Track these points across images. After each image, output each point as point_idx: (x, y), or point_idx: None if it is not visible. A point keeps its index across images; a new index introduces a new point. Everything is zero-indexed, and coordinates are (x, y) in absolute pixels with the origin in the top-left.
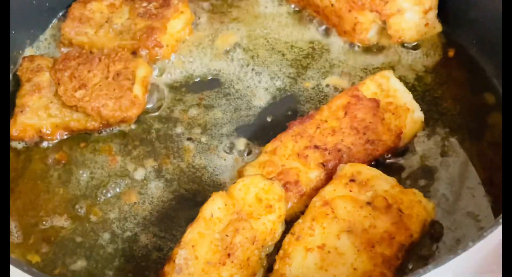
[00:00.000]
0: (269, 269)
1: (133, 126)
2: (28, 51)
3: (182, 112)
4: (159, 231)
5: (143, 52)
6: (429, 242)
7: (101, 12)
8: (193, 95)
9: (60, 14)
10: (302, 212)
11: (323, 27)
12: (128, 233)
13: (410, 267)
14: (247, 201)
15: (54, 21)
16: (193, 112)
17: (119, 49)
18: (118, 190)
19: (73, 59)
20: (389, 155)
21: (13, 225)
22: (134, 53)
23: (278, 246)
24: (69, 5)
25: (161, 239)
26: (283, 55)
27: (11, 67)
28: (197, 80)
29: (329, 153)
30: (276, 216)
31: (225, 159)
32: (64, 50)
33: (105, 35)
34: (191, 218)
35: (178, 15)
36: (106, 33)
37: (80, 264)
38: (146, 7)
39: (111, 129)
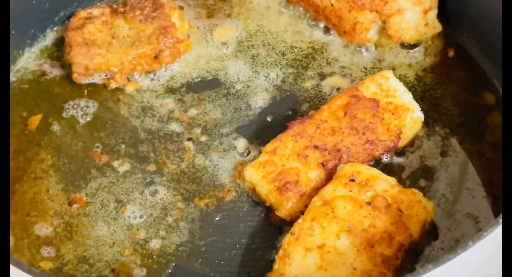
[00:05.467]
0: (269, 268)
1: (133, 126)
2: (28, 51)
3: (182, 112)
4: (159, 230)
5: (166, 53)
6: (429, 242)
7: (100, 31)
8: (193, 95)
9: (61, 14)
10: (302, 212)
11: (323, 27)
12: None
13: (410, 267)
14: None
15: (55, 21)
16: (193, 112)
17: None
18: (118, 190)
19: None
20: (389, 155)
21: (13, 225)
22: (157, 57)
23: (278, 246)
24: (69, 6)
25: (160, 237)
26: (283, 55)
27: (11, 67)
28: (197, 80)
29: (329, 153)
30: None
31: (225, 159)
32: (84, 81)
33: (119, 50)
34: (190, 219)
35: (173, 12)
36: (118, 47)
37: (77, 263)
38: (143, 13)
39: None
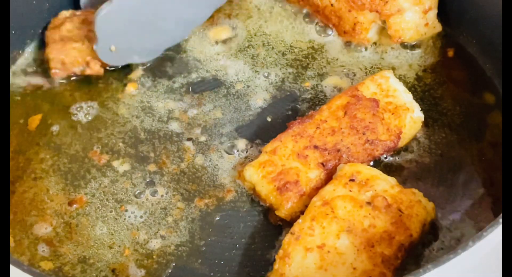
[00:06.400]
0: (269, 268)
1: (133, 127)
2: (28, 51)
3: (182, 112)
4: (159, 230)
5: None
6: (429, 242)
7: (78, 28)
8: (193, 95)
9: None
10: (302, 212)
11: (323, 27)
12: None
13: (410, 267)
14: None
15: None
16: (193, 112)
17: None
18: (118, 190)
19: None
20: (389, 155)
21: (13, 225)
22: None
23: (278, 246)
24: (69, 6)
25: (160, 237)
26: (283, 55)
27: (11, 67)
28: (197, 80)
29: (328, 153)
30: None
31: (225, 159)
32: (61, 80)
33: (95, 40)
34: (190, 219)
35: None
36: (94, 38)
37: (77, 263)
38: None
39: (111, 130)
